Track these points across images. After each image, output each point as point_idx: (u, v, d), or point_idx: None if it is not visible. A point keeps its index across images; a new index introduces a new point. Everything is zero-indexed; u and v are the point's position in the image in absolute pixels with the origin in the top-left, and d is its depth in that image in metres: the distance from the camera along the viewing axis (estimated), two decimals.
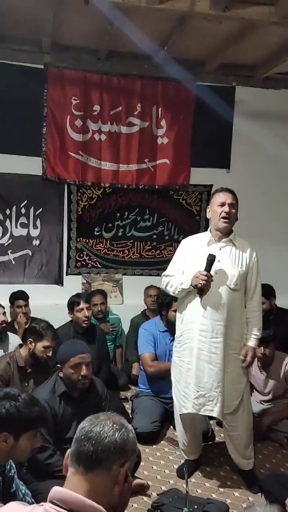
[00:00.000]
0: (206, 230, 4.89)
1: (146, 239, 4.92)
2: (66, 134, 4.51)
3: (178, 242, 4.89)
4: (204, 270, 2.48)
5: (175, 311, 3.38)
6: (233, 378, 2.61)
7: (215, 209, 2.63)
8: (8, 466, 1.88)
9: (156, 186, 4.78)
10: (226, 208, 2.58)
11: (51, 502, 1.05)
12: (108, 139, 4.60)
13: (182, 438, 2.83)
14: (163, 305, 3.48)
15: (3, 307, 3.61)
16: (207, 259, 2.49)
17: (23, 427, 1.70)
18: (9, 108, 4.36)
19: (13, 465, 1.92)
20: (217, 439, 3.27)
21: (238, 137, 4.87)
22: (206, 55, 4.53)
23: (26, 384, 2.87)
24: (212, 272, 2.50)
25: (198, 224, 4.99)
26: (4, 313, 3.52)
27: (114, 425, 1.11)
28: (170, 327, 3.46)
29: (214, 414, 2.62)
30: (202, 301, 2.55)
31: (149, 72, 4.61)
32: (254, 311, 2.67)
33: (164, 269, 4.85)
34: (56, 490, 1.06)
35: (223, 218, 2.58)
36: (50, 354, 2.86)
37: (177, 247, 4.80)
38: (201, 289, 2.50)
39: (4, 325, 3.47)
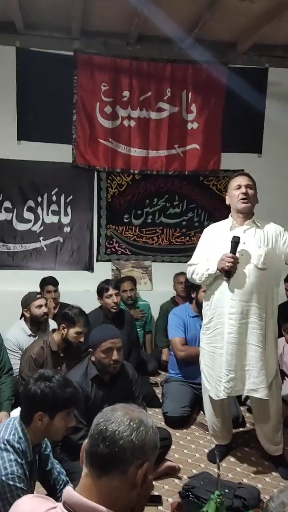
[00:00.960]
0: None
1: (175, 225, 4.90)
2: (95, 121, 4.52)
3: None
4: (230, 252, 2.50)
5: (205, 291, 3.39)
6: (264, 358, 2.59)
7: (233, 193, 2.66)
8: (44, 445, 1.94)
9: (186, 172, 4.74)
10: (243, 189, 2.62)
11: (64, 505, 1.00)
12: (138, 125, 4.59)
13: (212, 423, 2.84)
14: (192, 287, 3.48)
15: (46, 299, 3.67)
16: (232, 241, 2.51)
17: (58, 407, 1.74)
18: (39, 96, 4.39)
19: (49, 444, 1.97)
20: (247, 425, 3.27)
21: (270, 121, 4.76)
22: (237, 36, 4.43)
23: (59, 368, 2.94)
24: (237, 254, 2.52)
25: (228, 210, 4.89)
26: (46, 304, 3.58)
27: (131, 423, 1.02)
28: (200, 312, 3.45)
29: (245, 393, 2.63)
30: (230, 283, 2.56)
31: (179, 56, 4.54)
32: None
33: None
34: (68, 493, 1.01)
35: (242, 199, 2.61)
36: (82, 339, 2.91)
37: None
38: (228, 272, 2.52)
39: (45, 316, 3.54)
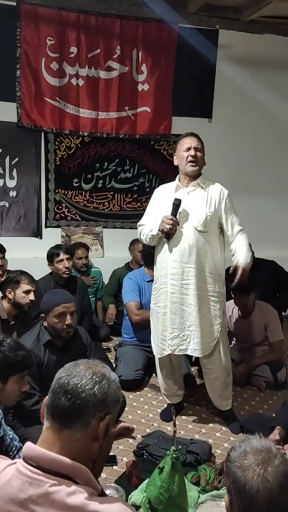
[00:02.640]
0: None
1: (126, 191, 4.82)
2: (41, 77, 4.28)
3: None
4: (171, 214, 2.51)
5: None
6: (207, 320, 2.65)
7: (182, 154, 2.65)
8: None
9: (137, 136, 4.63)
10: (192, 152, 2.61)
11: (24, 460, 0.99)
12: (86, 84, 4.39)
13: (163, 383, 2.89)
14: (150, 254, 3.46)
15: None
16: (173, 203, 2.53)
17: (10, 371, 1.69)
18: None
19: (0, 411, 1.91)
20: (198, 385, 3.35)
21: (221, 84, 4.73)
22: None
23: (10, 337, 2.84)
24: (178, 216, 2.54)
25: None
26: None
27: (94, 376, 1.03)
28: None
29: (189, 352, 2.69)
30: (170, 244, 2.59)
31: (129, 12, 4.36)
32: (239, 240, 2.64)
33: None
34: (29, 448, 1.00)
35: (190, 162, 2.61)
36: (32, 297, 2.84)
37: None
38: (167, 233, 2.55)
39: None
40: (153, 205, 2.79)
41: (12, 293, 2.84)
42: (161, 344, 2.71)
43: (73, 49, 4.30)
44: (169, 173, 4.87)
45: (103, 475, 2.29)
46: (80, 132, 4.49)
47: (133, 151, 4.73)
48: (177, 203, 2.52)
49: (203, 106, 4.79)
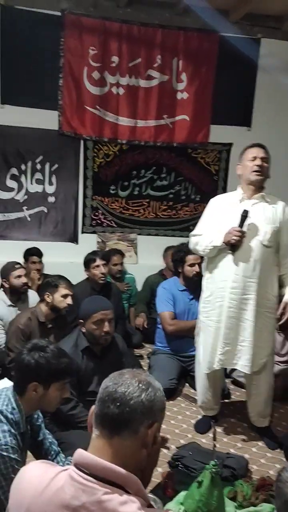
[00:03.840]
0: (224, 190, 4.92)
1: (162, 198, 4.83)
2: (83, 86, 4.36)
3: (195, 202, 4.90)
4: (238, 226, 2.46)
5: (190, 265, 3.38)
6: (261, 336, 2.58)
7: (246, 164, 2.58)
8: (36, 415, 1.90)
9: (174, 144, 4.64)
10: (257, 162, 2.54)
11: (76, 467, 1.01)
12: (126, 93, 4.44)
13: (203, 395, 2.84)
14: (178, 262, 3.46)
15: (25, 268, 3.59)
16: (241, 214, 2.46)
17: (52, 377, 1.70)
18: (25, 58, 4.19)
19: (40, 415, 1.94)
20: (233, 397, 3.31)
21: (261, 93, 4.69)
22: (231, 4, 4.30)
23: (47, 340, 2.88)
24: (245, 228, 2.48)
25: (216, 184, 4.88)
26: (26, 275, 3.51)
27: (140, 384, 1.04)
28: (189, 285, 3.45)
29: (238, 367, 2.63)
30: (234, 257, 2.51)
31: (170, 21, 4.39)
32: None
33: (180, 229, 4.89)
34: (81, 455, 1.01)
35: (255, 171, 2.54)
36: (70, 301, 2.87)
37: (194, 208, 4.84)
38: (233, 245, 2.48)
39: (25, 286, 3.46)
40: (210, 215, 2.71)
41: (51, 297, 2.88)
42: (211, 358, 2.65)
43: (115, 59, 4.37)
44: (205, 181, 4.87)
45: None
46: (119, 140, 4.54)
47: (170, 159, 4.74)
48: (245, 215, 2.46)
49: (243, 114, 4.77)
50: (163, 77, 4.49)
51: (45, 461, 1.14)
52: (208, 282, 2.69)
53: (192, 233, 2.76)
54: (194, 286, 3.45)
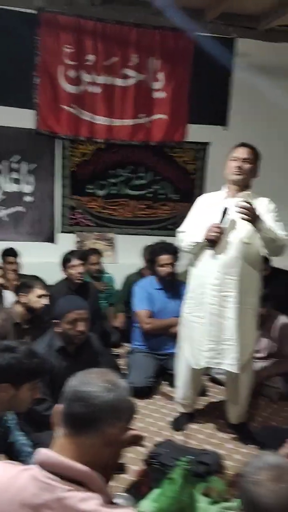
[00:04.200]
0: (201, 189, 4.95)
1: (140, 197, 4.83)
2: (58, 85, 4.33)
3: (173, 201, 4.92)
4: (218, 223, 2.48)
5: (161, 266, 3.40)
6: (246, 334, 2.59)
7: (229, 163, 2.60)
8: (8, 417, 1.89)
9: (152, 143, 4.65)
10: (237, 163, 2.55)
11: (39, 466, 1.01)
12: (103, 92, 4.43)
13: (184, 392, 2.85)
14: (150, 262, 3.50)
15: (3, 270, 3.55)
16: (222, 212, 2.48)
17: (24, 378, 1.69)
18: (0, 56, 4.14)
19: (14, 416, 1.93)
20: (210, 394, 3.34)
21: (237, 93, 4.73)
22: (206, 3, 4.31)
23: (17, 340, 2.86)
24: (225, 225, 2.49)
25: (193, 183, 4.91)
26: (2, 275, 3.48)
27: (106, 384, 1.06)
28: (164, 284, 3.47)
29: (223, 367, 2.63)
30: (214, 254, 2.52)
31: (146, 20, 4.38)
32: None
33: (159, 228, 4.91)
34: (44, 454, 1.02)
35: (235, 171, 2.56)
36: (45, 302, 2.86)
37: (172, 207, 4.86)
38: (212, 242, 2.49)
39: (0, 287, 3.43)
40: (196, 212, 2.73)
41: (26, 298, 2.87)
42: (198, 355, 2.66)
43: (91, 57, 4.35)
44: (183, 180, 4.90)
45: (111, 483, 2.28)
46: (95, 139, 4.52)
47: (148, 158, 4.75)
48: (225, 211, 2.48)
49: (219, 114, 4.80)
50: (140, 76, 4.50)
51: (7, 461, 1.14)
52: (192, 278, 2.71)
53: (178, 229, 2.77)
54: (169, 285, 3.47)
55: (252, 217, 2.38)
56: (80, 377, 1.09)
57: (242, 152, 2.58)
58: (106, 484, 1.08)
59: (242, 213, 2.36)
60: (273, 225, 2.53)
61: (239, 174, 2.56)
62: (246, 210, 2.35)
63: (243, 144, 2.63)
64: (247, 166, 2.57)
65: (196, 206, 2.78)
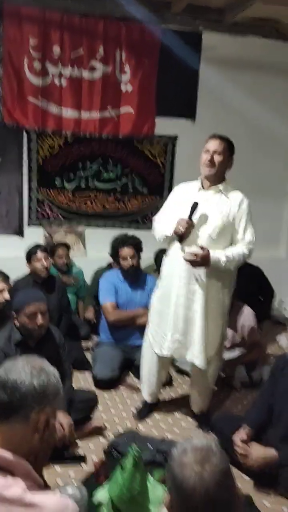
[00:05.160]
0: (171, 183, 4.96)
1: (109, 191, 4.82)
2: (24, 77, 4.26)
3: (142, 194, 4.92)
4: (188, 217, 2.46)
5: (123, 259, 3.43)
6: (212, 330, 2.61)
7: (202, 155, 2.57)
8: None
9: (120, 136, 4.64)
10: (208, 156, 2.52)
11: None
12: (69, 84, 4.38)
13: (147, 380, 2.87)
14: (113, 255, 3.53)
15: None
16: (191, 206, 2.47)
17: None
18: None
19: None
20: (173, 383, 3.38)
21: (204, 86, 4.73)
22: None
23: None
24: (195, 219, 2.48)
25: (162, 177, 4.92)
26: None
27: (32, 371, 1.07)
28: (127, 277, 3.49)
29: (187, 358, 2.65)
30: (182, 247, 2.52)
31: (112, 12, 4.35)
32: (238, 247, 2.54)
33: (128, 221, 4.92)
34: None
35: (206, 164, 2.53)
36: (6, 296, 2.84)
37: (141, 200, 4.87)
38: (180, 236, 2.48)
39: None
40: (171, 202, 2.71)
41: None
42: (162, 343, 2.68)
43: (56, 49, 4.30)
44: (152, 174, 4.90)
45: (71, 473, 2.31)
46: (63, 132, 4.49)
47: (116, 151, 4.74)
48: (194, 206, 2.46)
49: (187, 107, 4.80)
50: (107, 68, 4.46)
51: None
52: (164, 267, 2.72)
53: (154, 217, 2.78)
54: (133, 277, 3.50)
55: (202, 263, 2.41)
56: (7, 366, 1.10)
57: (213, 145, 2.54)
58: (39, 470, 1.09)
59: (192, 265, 2.41)
60: (240, 235, 2.54)
61: (209, 167, 2.54)
62: (194, 261, 2.39)
63: (214, 136, 2.59)
64: (218, 158, 2.53)
65: (171, 195, 2.76)
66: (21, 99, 4.30)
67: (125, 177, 4.83)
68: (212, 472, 1.04)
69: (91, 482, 2.18)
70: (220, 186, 2.59)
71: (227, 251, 2.51)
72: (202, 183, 2.62)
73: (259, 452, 2.22)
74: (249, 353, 3.47)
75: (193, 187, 2.65)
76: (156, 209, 4.87)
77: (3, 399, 1.03)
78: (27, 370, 1.07)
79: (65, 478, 2.27)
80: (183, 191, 2.70)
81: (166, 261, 2.71)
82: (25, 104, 4.31)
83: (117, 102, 4.55)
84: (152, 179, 4.90)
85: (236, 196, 2.60)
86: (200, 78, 4.72)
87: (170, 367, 3.33)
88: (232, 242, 2.58)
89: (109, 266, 4.50)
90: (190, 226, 2.46)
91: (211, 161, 2.53)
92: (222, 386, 3.34)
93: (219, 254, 2.46)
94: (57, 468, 2.34)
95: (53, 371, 1.11)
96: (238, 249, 2.53)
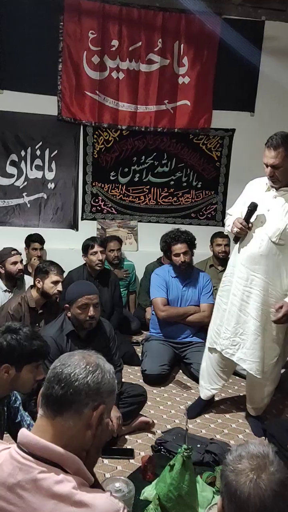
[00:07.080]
0: (226, 177, 4.85)
1: (163, 185, 4.78)
2: (82, 71, 4.32)
3: (196, 189, 4.84)
4: (244, 218, 2.40)
5: (175, 255, 3.37)
6: (268, 336, 2.51)
7: (264, 166, 2.43)
8: (13, 397, 1.92)
9: (176, 129, 4.58)
10: (267, 170, 2.39)
11: (18, 446, 1.02)
12: (126, 77, 4.39)
13: (206, 375, 2.81)
14: (164, 251, 3.49)
15: (20, 254, 3.60)
16: (248, 207, 2.40)
17: (24, 359, 1.71)
18: (24, 42, 4.16)
19: (18, 397, 1.96)
20: (225, 384, 3.29)
21: (265, 78, 4.58)
22: None
23: (37, 325, 2.90)
24: (253, 220, 2.41)
25: (218, 171, 4.82)
26: (21, 261, 3.54)
27: (88, 366, 1.05)
28: (179, 273, 3.44)
29: (234, 359, 2.57)
30: (240, 248, 2.48)
31: (171, 4, 4.30)
32: None
33: (181, 217, 4.86)
34: (23, 434, 1.02)
35: (269, 178, 2.42)
36: (60, 288, 2.87)
37: (195, 195, 4.79)
38: (235, 236, 2.47)
39: (21, 273, 3.49)
40: (243, 196, 2.63)
41: (41, 283, 2.89)
42: (215, 337, 2.67)
43: (115, 42, 4.31)
44: (207, 168, 4.81)
45: (118, 467, 2.30)
46: (119, 126, 4.50)
47: (171, 145, 4.69)
48: (251, 208, 2.38)
49: (246, 99, 4.67)
50: (164, 61, 4.42)
51: None
52: (228, 264, 2.70)
53: (227, 211, 2.76)
54: (185, 274, 3.44)
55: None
56: (63, 359, 1.08)
57: (270, 158, 2.35)
58: (90, 466, 1.07)
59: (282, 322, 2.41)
60: None
61: (272, 181, 2.42)
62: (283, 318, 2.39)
63: (270, 146, 2.36)
64: (278, 172, 2.38)
65: (245, 190, 2.68)
66: (78, 93, 4.35)
67: (179, 172, 4.78)
68: (268, 481, 0.98)
69: (138, 478, 2.16)
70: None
71: None
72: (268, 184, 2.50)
73: None
74: None
75: (262, 185, 2.54)
76: (210, 204, 4.85)
77: (57, 393, 1.02)
78: (82, 365, 1.05)
79: (113, 471, 2.27)
80: (254, 187, 2.61)
81: (231, 255, 2.68)
82: (83, 98, 4.36)
83: (174, 95, 4.50)
84: (207, 174, 4.82)
85: None
86: (261, 69, 4.57)
87: (233, 367, 3.18)
88: None
89: (159, 261, 4.47)
90: (244, 227, 2.40)
91: (273, 176, 2.40)
92: (275, 392, 3.21)
93: None
94: (106, 461, 2.35)
95: (109, 368, 1.09)
96: None
